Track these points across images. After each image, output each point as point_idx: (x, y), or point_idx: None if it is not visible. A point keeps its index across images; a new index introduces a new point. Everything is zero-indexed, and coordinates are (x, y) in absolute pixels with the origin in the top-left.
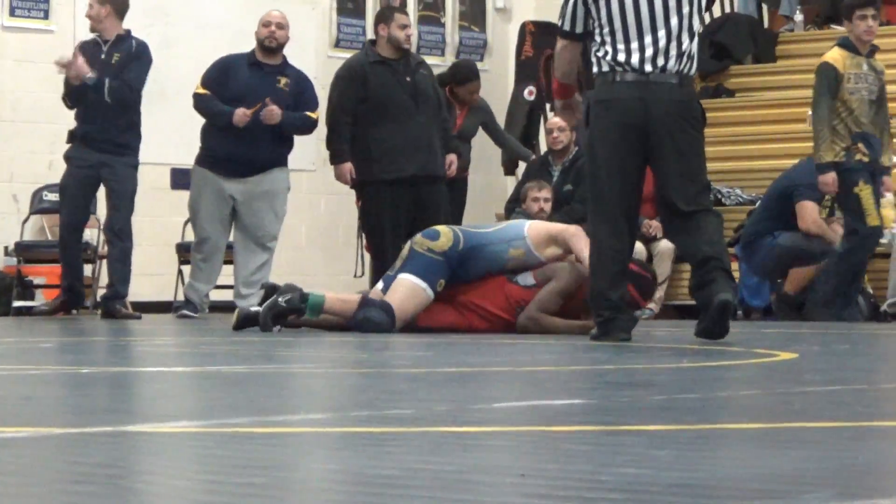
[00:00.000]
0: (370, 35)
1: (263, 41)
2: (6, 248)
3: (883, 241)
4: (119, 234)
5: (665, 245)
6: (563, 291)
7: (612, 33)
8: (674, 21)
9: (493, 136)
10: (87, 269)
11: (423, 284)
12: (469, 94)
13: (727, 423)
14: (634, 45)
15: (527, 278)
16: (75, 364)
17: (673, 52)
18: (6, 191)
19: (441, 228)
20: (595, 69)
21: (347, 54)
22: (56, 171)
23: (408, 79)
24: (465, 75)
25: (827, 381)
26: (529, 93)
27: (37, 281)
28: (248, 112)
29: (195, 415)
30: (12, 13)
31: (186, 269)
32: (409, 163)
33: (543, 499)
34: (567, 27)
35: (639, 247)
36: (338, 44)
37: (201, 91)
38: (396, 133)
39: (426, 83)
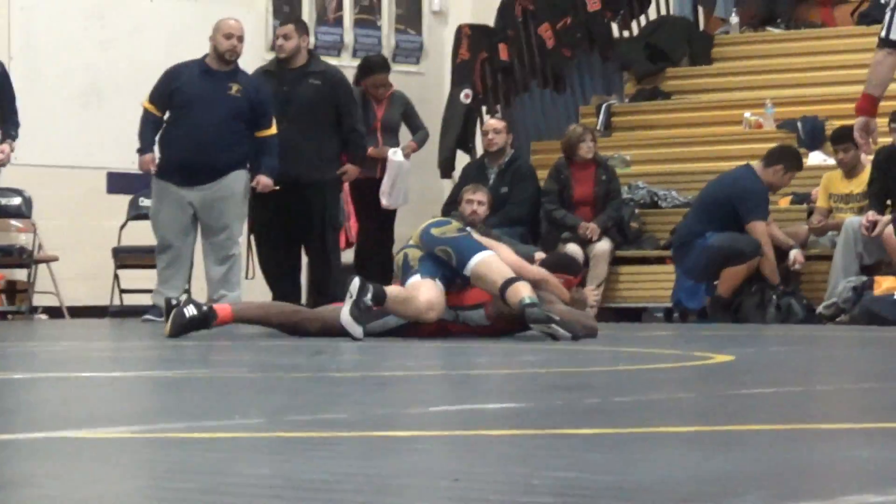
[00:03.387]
0: None
1: (224, 54)
2: None
3: (822, 242)
4: None
5: (601, 247)
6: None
7: None
8: None
9: (410, 124)
10: (23, 274)
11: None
12: (374, 88)
13: (662, 426)
14: None
15: (481, 319)
16: (6, 369)
17: None
18: None
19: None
20: None
21: None
22: None
23: (284, 88)
24: (368, 68)
25: (762, 383)
26: (466, 96)
27: None
28: (150, 164)
29: (129, 420)
30: None
31: (123, 273)
32: None
33: (477, 503)
34: (894, 35)
35: (575, 249)
36: (273, 47)
37: (147, 107)
38: None
39: (307, 92)
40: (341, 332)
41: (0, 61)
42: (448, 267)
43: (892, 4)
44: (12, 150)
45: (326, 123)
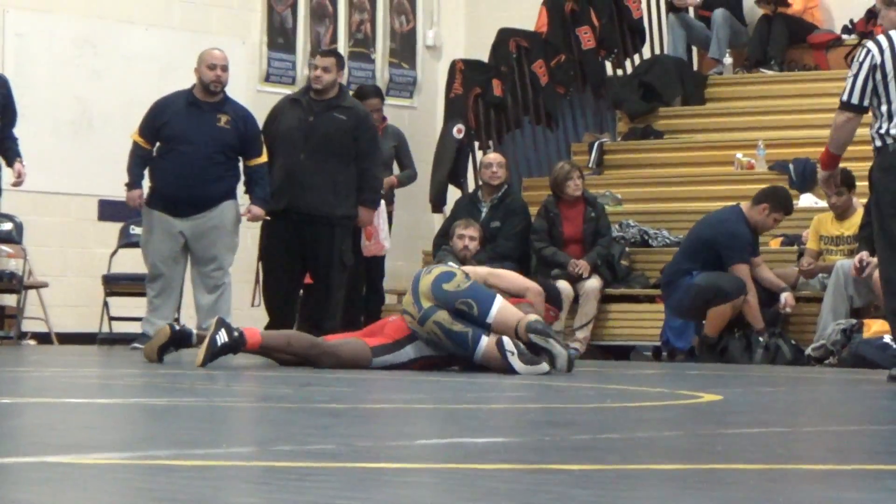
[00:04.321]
0: (300, 70)
1: (209, 85)
2: None
3: (812, 284)
4: None
5: (591, 285)
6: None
7: (891, 114)
8: None
9: (399, 160)
10: (12, 300)
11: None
12: None
13: (649, 464)
14: None
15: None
16: None
17: None
18: None
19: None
20: (878, 143)
21: (277, 88)
22: None
23: (310, 119)
24: (361, 93)
25: (749, 423)
26: (458, 130)
27: None
28: (138, 200)
29: (117, 447)
30: None
31: (112, 300)
32: (283, 197)
33: None
34: (855, 100)
35: (565, 286)
36: (268, 78)
37: (137, 140)
38: (280, 168)
39: (331, 125)
40: (353, 367)
41: (2, 74)
42: (469, 317)
43: (854, 71)
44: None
45: (344, 159)
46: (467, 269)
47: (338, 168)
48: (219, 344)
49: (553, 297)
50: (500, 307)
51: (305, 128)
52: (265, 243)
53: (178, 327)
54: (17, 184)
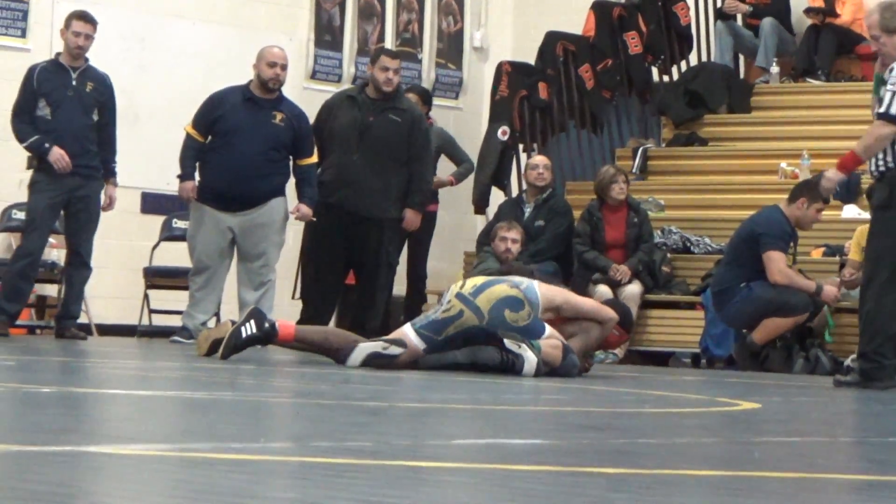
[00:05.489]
0: (346, 68)
1: (268, 82)
2: None
3: (853, 295)
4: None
5: (631, 290)
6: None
7: None
8: None
9: (452, 158)
10: (53, 290)
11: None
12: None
13: (686, 470)
14: None
15: None
16: (36, 383)
17: None
18: None
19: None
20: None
21: (323, 86)
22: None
23: (370, 118)
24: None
25: (787, 432)
26: (503, 133)
27: None
28: (191, 192)
29: (155, 438)
30: None
31: (153, 293)
32: (332, 194)
33: None
34: (894, 111)
35: (606, 291)
36: (314, 75)
37: (191, 132)
38: (332, 166)
39: (387, 129)
40: (388, 367)
41: (106, 74)
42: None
43: (888, 85)
44: (116, 186)
45: (398, 161)
46: (545, 290)
47: (391, 170)
48: (243, 336)
49: (625, 320)
50: (544, 345)
51: (361, 126)
52: (311, 239)
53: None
54: (105, 209)
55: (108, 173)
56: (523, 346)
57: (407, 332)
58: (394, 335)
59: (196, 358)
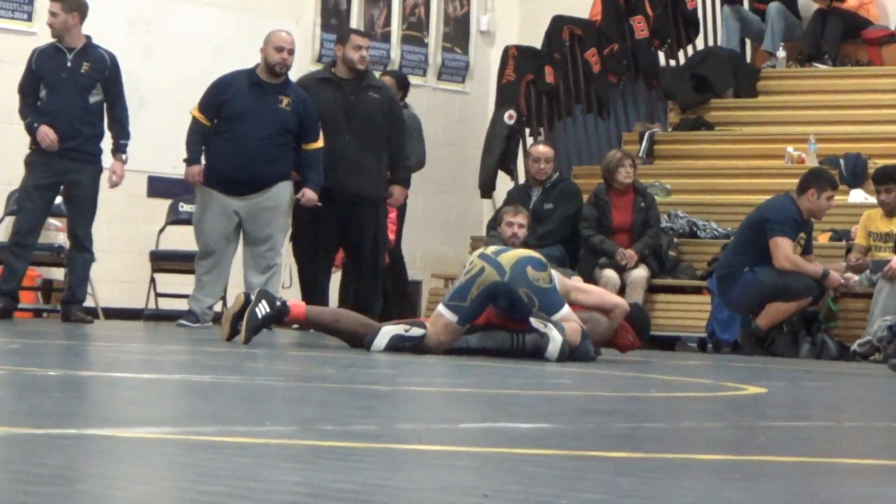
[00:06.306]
0: None
1: (275, 66)
2: None
3: (857, 280)
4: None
5: (638, 274)
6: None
7: None
8: None
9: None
10: (60, 273)
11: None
12: None
13: (691, 454)
14: None
15: None
16: (41, 366)
17: None
18: None
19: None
20: None
21: None
22: None
23: (351, 98)
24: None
25: (793, 416)
26: (509, 117)
27: None
28: (197, 176)
29: (160, 421)
30: None
31: (159, 277)
32: (329, 177)
33: None
34: None
35: (612, 275)
36: (320, 59)
37: (197, 116)
38: (324, 148)
39: (370, 106)
40: (400, 351)
41: (112, 53)
42: (519, 308)
43: None
44: (124, 164)
45: (383, 139)
46: (558, 274)
47: (379, 148)
48: (259, 317)
49: (639, 323)
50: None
51: (346, 107)
52: (302, 223)
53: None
54: (112, 184)
55: (116, 149)
56: (549, 325)
57: (440, 311)
58: (431, 318)
59: (202, 342)
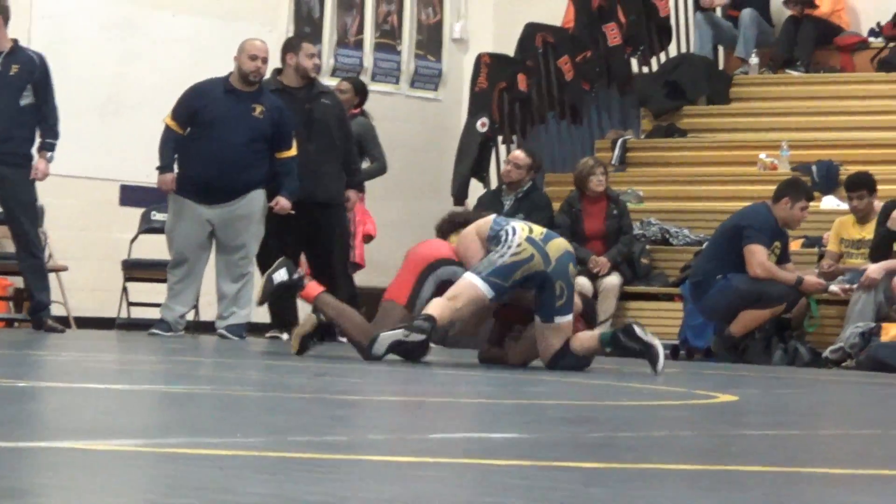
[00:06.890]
0: (326, 59)
1: (249, 75)
2: None
3: (832, 288)
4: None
5: (610, 282)
6: None
7: None
8: None
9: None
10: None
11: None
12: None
13: (664, 463)
14: None
15: None
16: (11, 377)
17: None
18: None
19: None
20: None
21: None
22: None
23: (307, 106)
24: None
25: (766, 424)
26: (482, 124)
27: None
28: (170, 184)
29: (131, 433)
30: None
31: (131, 286)
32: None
33: None
34: None
35: (585, 283)
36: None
37: (170, 124)
38: None
39: (325, 113)
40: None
41: (40, 53)
42: (545, 299)
43: None
44: (49, 162)
45: (339, 145)
46: None
47: (336, 152)
48: (276, 282)
49: (588, 314)
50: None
51: (304, 116)
52: (267, 231)
53: (323, 319)
54: (34, 179)
55: (42, 147)
56: (649, 333)
57: (474, 281)
58: (454, 289)
59: (174, 351)
